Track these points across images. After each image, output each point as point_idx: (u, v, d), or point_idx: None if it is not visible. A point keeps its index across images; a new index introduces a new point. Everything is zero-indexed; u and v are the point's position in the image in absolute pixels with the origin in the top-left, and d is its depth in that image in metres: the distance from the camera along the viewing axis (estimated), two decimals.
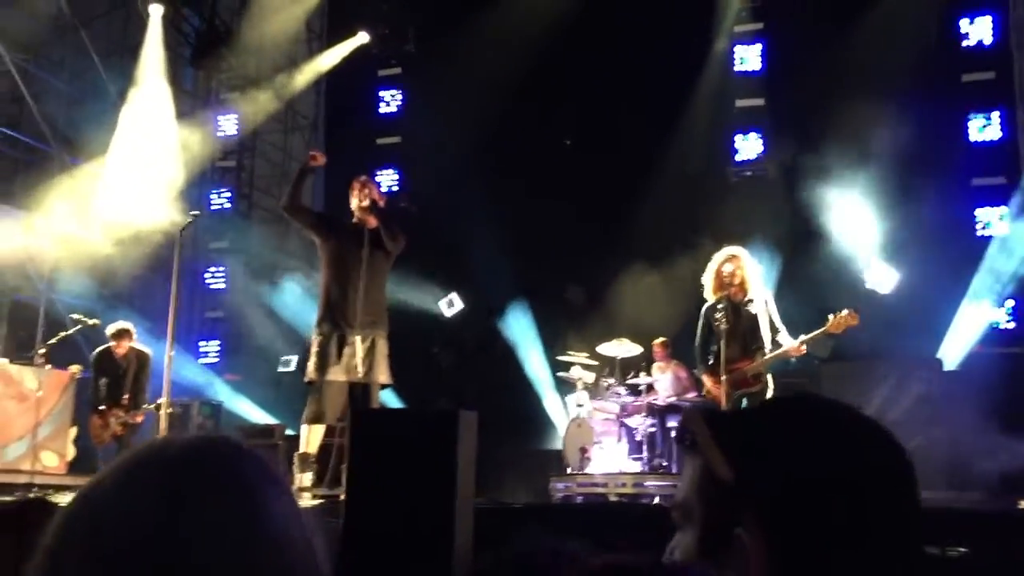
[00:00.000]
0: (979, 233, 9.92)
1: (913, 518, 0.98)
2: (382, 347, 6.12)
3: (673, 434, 8.30)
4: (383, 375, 6.11)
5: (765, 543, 0.92)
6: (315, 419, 6.04)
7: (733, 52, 11.28)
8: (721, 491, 0.95)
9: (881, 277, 9.58)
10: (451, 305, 11.14)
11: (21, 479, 7.85)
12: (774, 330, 6.47)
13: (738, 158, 11.12)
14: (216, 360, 13.15)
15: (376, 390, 6.11)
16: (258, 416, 11.94)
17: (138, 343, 8.49)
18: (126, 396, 8.19)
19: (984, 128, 10.15)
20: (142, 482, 0.76)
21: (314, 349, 6.14)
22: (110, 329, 8.43)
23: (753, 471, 0.95)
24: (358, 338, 5.99)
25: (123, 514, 0.74)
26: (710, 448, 0.98)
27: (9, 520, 1.95)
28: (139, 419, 8.20)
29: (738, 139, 11.13)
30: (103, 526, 0.74)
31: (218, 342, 13.31)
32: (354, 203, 6.28)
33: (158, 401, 7.89)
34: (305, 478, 6.00)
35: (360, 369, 5.96)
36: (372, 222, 6.20)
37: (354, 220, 6.27)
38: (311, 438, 6.07)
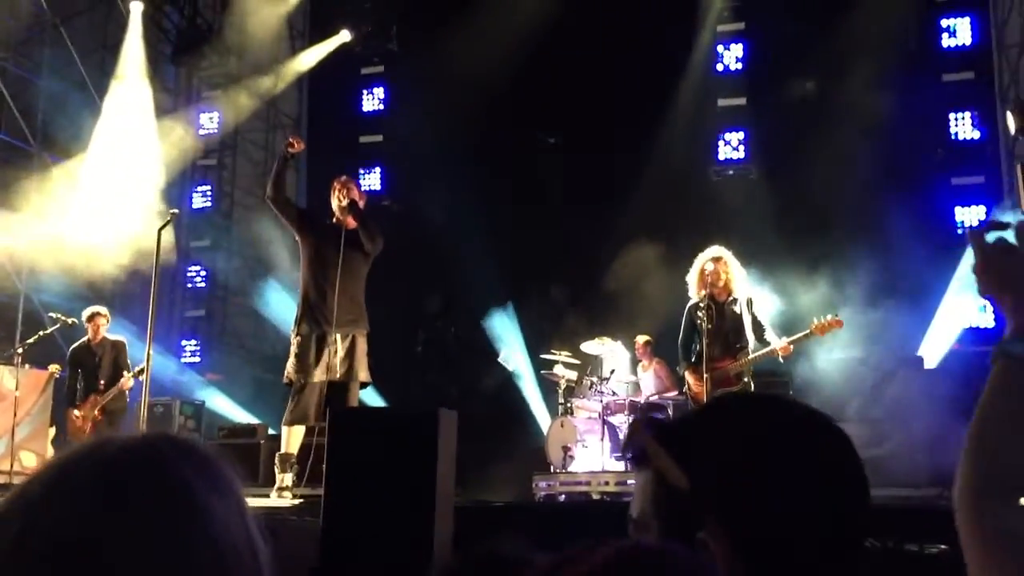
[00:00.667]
0: (959, 231, 9.98)
1: (860, 507, 0.99)
2: (361, 345, 6.11)
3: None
4: (362, 373, 6.10)
5: (729, 544, 0.92)
6: (296, 420, 6.03)
7: (716, 51, 11.30)
8: (676, 499, 0.95)
9: None
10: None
11: (0, 479, 7.79)
12: (759, 330, 6.50)
13: (720, 157, 11.14)
14: (197, 360, 13.07)
15: (355, 388, 6.10)
16: (240, 416, 11.87)
17: (111, 334, 8.44)
18: (102, 383, 8.14)
19: (964, 126, 10.22)
20: (75, 480, 0.74)
21: (293, 350, 6.13)
22: (84, 313, 8.39)
23: (704, 473, 0.95)
24: (337, 336, 5.99)
25: (54, 513, 0.72)
26: (659, 457, 0.98)
27: None
28: (128, 386, 8.12)
29: (720, 139, 11.14)
30: (34, 525, 0.72)
31: (198, 341, 13.23)
32: (334, 202, 6.27)
33: (139, 367, 7.85)
34: (286, 478, 5.98)
35: (339, 368, 5.95)
36: (351, 222, 6.19)
37: (334, 219, 6.27)
38: (291, 439, 6.07)
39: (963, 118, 10.19)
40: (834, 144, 9.62)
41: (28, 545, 0.71)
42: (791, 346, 6.38)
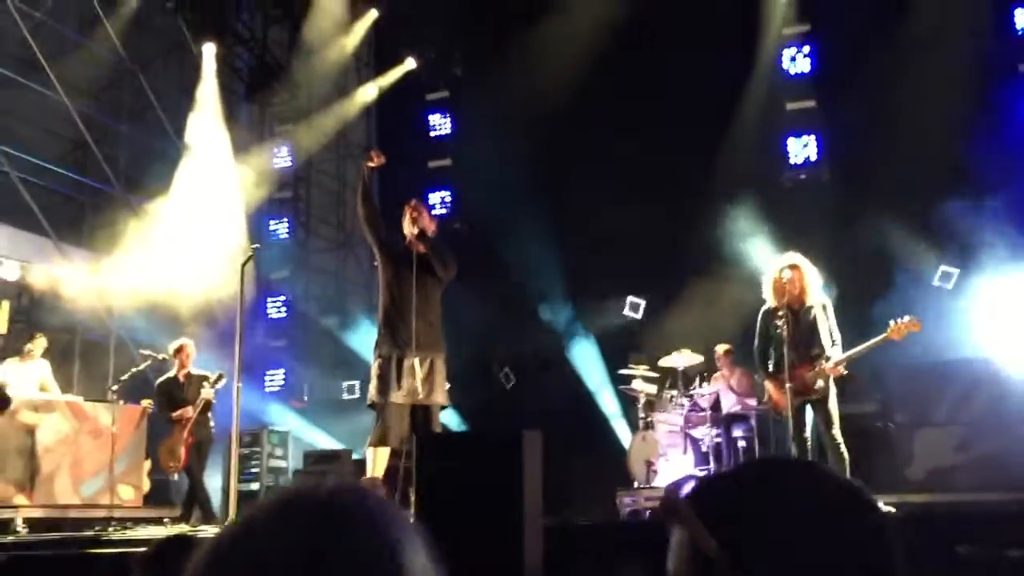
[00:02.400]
0: None
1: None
2: (440, 368, 6.17)
3: (741, 444, 8.23)
4: (441, 396, 6.16)
5: None
6: (379, 442, 6.10)
7: (782, 55, 11.18)
8: (709, 561, 0.98)
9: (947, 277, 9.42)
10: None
11: (99, 513, 8.06)
12: (832, 338, 6.42)
13: (792, 162, 11.00)
14: (281, 388, 13.36)
15: (436, 412, 6.16)
16: (325, 442, 12.09)
17: (197, 369, 8.68)
18: (187, 415, 8.35)
19: None
20: (292, 523, 0.81)
21: (375, 372, 6.21)
22: (171, 346, 8.65)
23: (731, 543, 0.98)
24: (416, 360, 6.06)
25: (274, 554, 0.79)
26: (691, 521, 1.01)
27: (151, 559, 2.01)
28: (209, 396, 8.33)
29: (790, 142, 11.01)
30: (254, 566, 0.78)
31: (283, 370, 13.52)
32: (406, 227, 6.36)
33: (218, 373, 8.06)
34: None
35: (420, 391, 6.02)
36: (422, 248, 6.28)
37: (407, 243, 6.36)
38: (377, 461, 6.13)
39: None
40: (907, 145, 9.42)
41: (265, 564, 0.78)
42: (840, 368, 6.28)
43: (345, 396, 12.57)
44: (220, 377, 8.27)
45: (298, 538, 0.79)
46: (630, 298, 11.22)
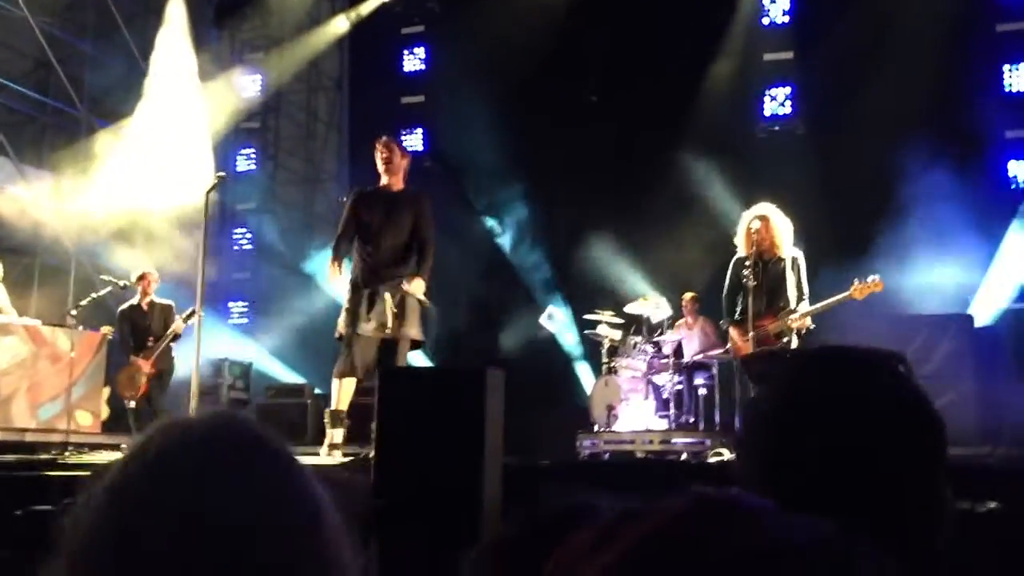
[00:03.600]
0: (1013, 187, 9.75)
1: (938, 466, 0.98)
2: (413, 304, 6.13)
3: (702, 391, 8.30)
4: (414, 331, 6.13)
5: None
6: (345, 373, 6.10)
7: (761, 4, 11.07)
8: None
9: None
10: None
11: (56, 438, 8.00)
12: (800, 292, 6.46)
13: (766, 113, 10.96)
14: (245, 321, 13.26)
15: (405, 345, 6.14)
16: (287, 376, 12.05)
17: (159, 297, 8.58)
18: (151, 342, 8.29)
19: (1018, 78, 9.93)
20: (169, 471, 0.78)
21: (345, 305, 6.20)
22: (133, 274, 8.55)
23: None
24: (387, 293, 6.03)
25: (154, 511, 0.76)
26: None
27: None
28: (179, 330, 8.27)
29: (766, 94, 10.95)
30: (133, 524, 0.76)
31: (246, 303, 13.41)
32: (379, 163, 6.31)
33: (191, 308, 7.96)
34: (336, 434, 6.05)
35: (391, 324, 6.00)
36: (396, 183, 6.24)
37: (379, 183, 6.32)
38: (342, 394, 6.12)
39: (1018, 70, 9.91)
40: (883, 98, 9.41)
41: (133, 545, 0.75)
42: (806, 320, 6.35)
43: (308, 332, 12.49)
44: (192, 313, 8.15)
45: (178, 473, 0.77)
46: (599, 243, 11.19)
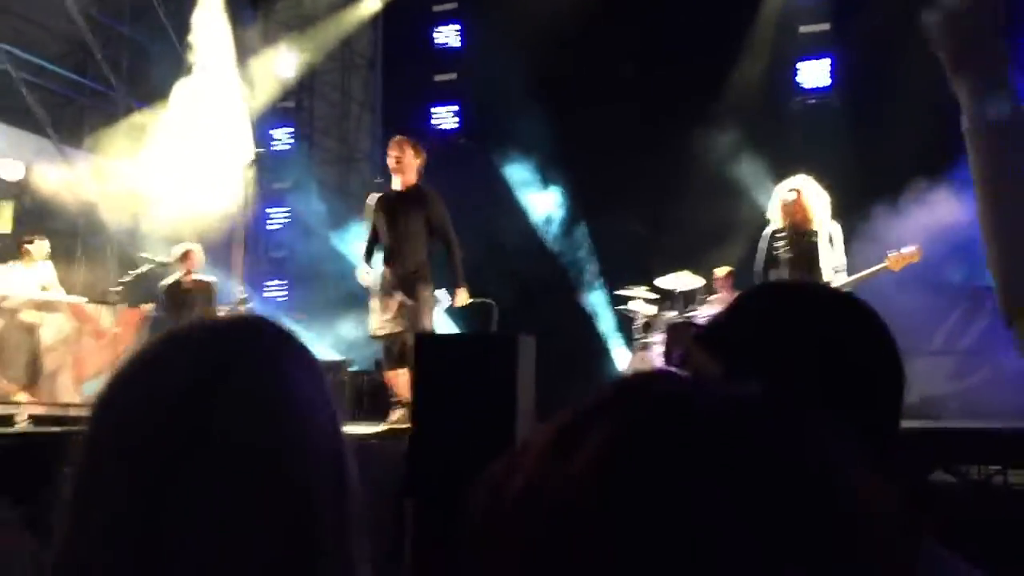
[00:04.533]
0: None
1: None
2: (426, 299, 6.25)
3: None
4: (428, 325, 6.24)
5: None
6: (388, 367, 6.29)
7: None
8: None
9: None
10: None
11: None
12: (836, 265, 6.41)
13: (803, 86, 10.85)
14: (283, 299, 13.41)
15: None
16: (324, 353, 12.17)
17: (201, 274, 8.71)
18: (189, 317, 8.41)
19: None
20: (183, 349, 0.84)
21: (371, 306, 6.42)
22: (175, 250, 8.67)
23: (738, 364, 1.00)
24: (398, 293, 6.20)
25: (164, 375, 0.82)
26: (697, 355, 1.03)
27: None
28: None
29: (802, 66, 10.84)
30: (148, 384, 0.82)
31: (284, 281, 13.56)
32: (390, 162, 6.44)
33: (242, 297, 8.09)
34: (394, 415, 6.16)
35: (402, 323, 6.14)
36: (407, 182, 6.37)
37: (391, 184, 6.48)
38: (396, 387, 6.25)
39: None
40: (920, 71, 9.26)
41: (141, 401, 0.81)
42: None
43: (344, 310, 12.60)
44: (244, 301, 8.24)
45: (187, 369, 0.81)
46: (633, 218, 11.17)
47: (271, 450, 0.80)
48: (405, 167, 6.39)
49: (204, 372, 0.81)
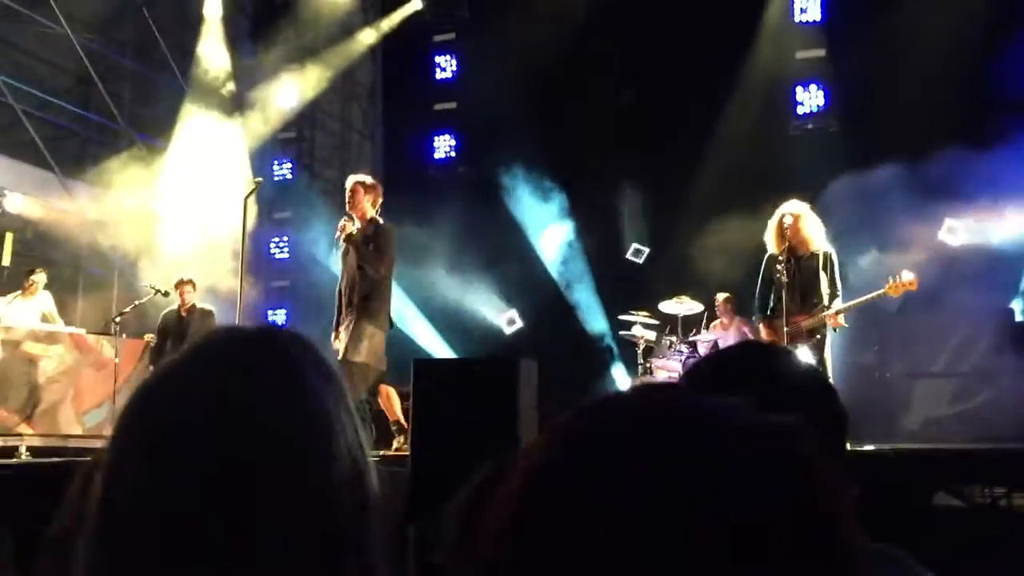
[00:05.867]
0: None
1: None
2: (361, 330, 6.42)
3: None
4: (359, 356, 6.36)
5: None
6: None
7: (792, 2, 11.03)
8: None
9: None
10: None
11: (101, 444, 8.16)
12: (833, 289, 6.43)
13: (799, 111, 10.91)
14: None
15: (351, 369, 6.31)
16: None
17: (202, 302, 8.75)
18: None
19: None
20: (213, 357, 0.86)
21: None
22: (175, 282, 8.73)
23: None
24: (341, 327, 6.55)
25: (194, 381, 0.83)
26: None
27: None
28: None
29: (799, 91, 10.91)
30: (168, 396, 0.83)
31: (285, 311, 13.57)
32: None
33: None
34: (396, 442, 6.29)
35: (341, 353, 6.32)
36: (360, 219, 6.69)
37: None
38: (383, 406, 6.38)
39: None
40: (915, 97, 9.33)
41: (172, 409, 0.82)
42: (840, 318, 6.32)
43: None
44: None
45: (211, 381, 0.82)
46: (634, 245, 11.21)
47: (296, 463, 0.81)
48: (355, 204, 6.71)
49: (230, 384, 0.83)
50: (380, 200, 6.79)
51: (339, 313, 6.71)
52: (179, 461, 0.79)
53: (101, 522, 0.79)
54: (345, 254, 6.71)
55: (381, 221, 6.74)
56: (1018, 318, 8.58)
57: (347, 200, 6.75)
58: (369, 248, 6.53)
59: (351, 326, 6.46)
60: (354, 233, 6.61)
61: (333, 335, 6.64)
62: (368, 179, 6.91)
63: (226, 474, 0.78)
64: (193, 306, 8.64)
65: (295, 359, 0.87)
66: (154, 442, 0.80)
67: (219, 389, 0.82)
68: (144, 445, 0.80)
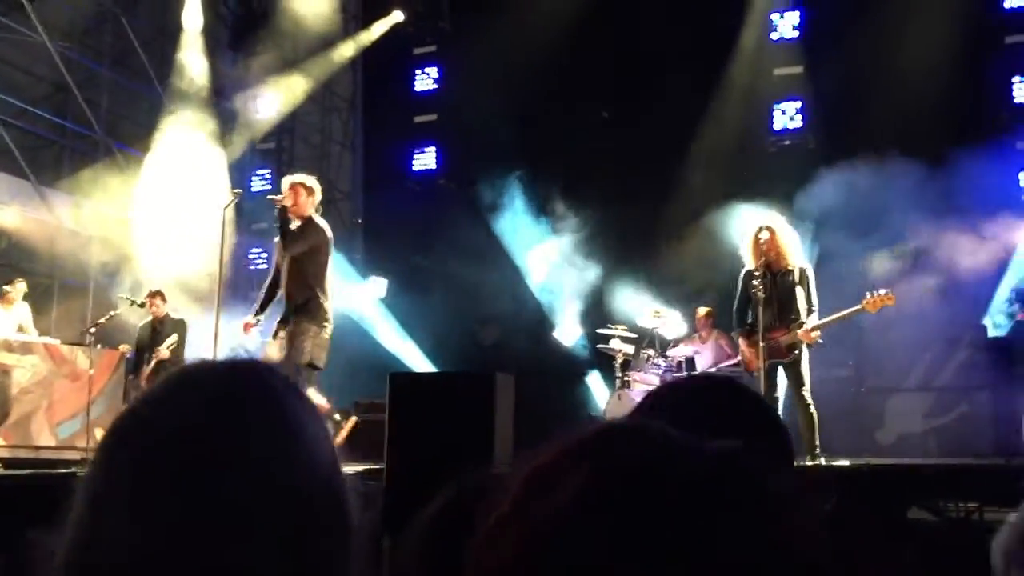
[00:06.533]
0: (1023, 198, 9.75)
1: None
2: (303, 330, 6.36)
3: None
4: (302, 358, 6.32)
5: None
6: None
7: (771, 20, 11.13)
8: None
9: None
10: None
11: (75, 455, 8.08)
12: (809, 304, 6.46)
13: (776, 127, 11.00)
14: (262, 339, 13.32)
15: (300, 370, 6.32)
16: None
17: (176, 313, 8.71)
18: (152, 358, 8.38)
19: None
20: (190, 390, 0.85)
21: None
22: (148, 292, 8.70)
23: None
24: (283, 329, 6.45)
25: (172, 414, 0.83)
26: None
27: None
28: (163, 356, 8.31)
29: (776, 108, 10.99)
30: (154, 424, 0.82)
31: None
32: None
33: (174, 338, 8.23)
34: None
35: (283, 351, 6.31)
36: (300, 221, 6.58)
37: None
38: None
39: None
40: (893, 112, 9.43)
41: (148, 440, 0.82)
42: (814, 335, 6.34)
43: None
44: (175, 343, 8.33)
45: (191, 412, 0.82)
46: (611, 258, 11.24)
47: (284, 487, 0.81)
48: (299, 209, 6.62)
49: (219, 408, 0.83)
50: (319, 200, 6.75)
51: (262, 307, 6.70)
52: (166, 483, 0.79)
53: (79, 548, 0.79)
54: (283, 251, 6.62)
55: (318, 220, 6.67)
56: (991, 333, 8.67)
57: (290, 206, 6.60)
58: (300, 236, 6.50)
59: (295, 326, 6.37)
60: (292, 228, 6.56)
61: (271, 335, 6.54)
62: (308, 180, 6.79)
63: (208, 502, 0.78)
64: (166, 315, 8.60)
65: (278, 388, 0.87)
66: (140, 465, 0.80)
67: (202, 419, 0.82)
68: (130, 468, 0.81)
